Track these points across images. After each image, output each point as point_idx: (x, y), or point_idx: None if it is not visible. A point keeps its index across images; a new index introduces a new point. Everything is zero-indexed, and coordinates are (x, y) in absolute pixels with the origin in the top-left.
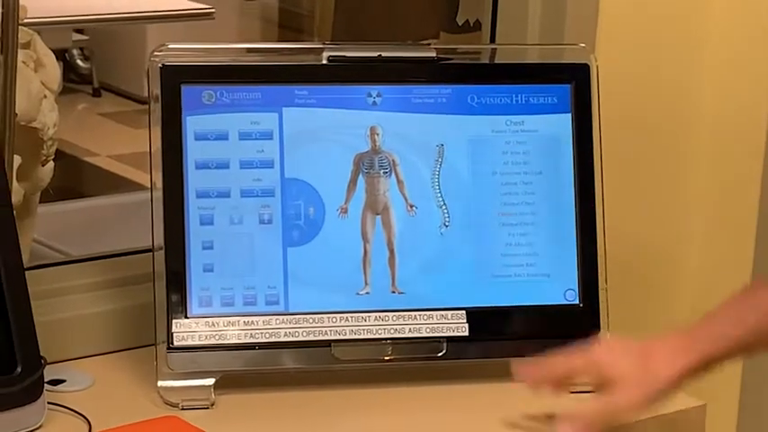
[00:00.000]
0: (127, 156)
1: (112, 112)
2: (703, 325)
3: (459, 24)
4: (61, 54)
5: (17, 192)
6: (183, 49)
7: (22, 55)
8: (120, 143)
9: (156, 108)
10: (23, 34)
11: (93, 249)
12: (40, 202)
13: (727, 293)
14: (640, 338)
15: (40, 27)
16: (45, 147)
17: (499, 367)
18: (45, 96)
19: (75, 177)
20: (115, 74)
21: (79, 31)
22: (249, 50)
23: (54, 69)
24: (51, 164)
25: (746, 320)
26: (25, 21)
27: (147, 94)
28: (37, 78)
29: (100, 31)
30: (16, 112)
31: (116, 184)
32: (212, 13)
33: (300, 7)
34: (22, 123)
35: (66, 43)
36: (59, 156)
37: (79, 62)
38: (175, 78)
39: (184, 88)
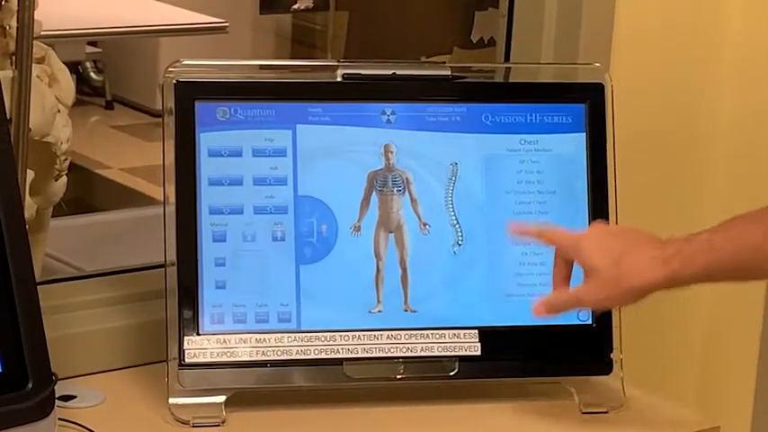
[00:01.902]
0: (139, 169)
1: (125, 125)
2: (688, 242)
3: (474, 41)
4: (74, 67)
5: (30, 206)
6: (198, 66)
7: (36, 70)
8: (132, 156)
9: (170, 122)
10: (38, 49)
11: (105, 264)
12: (53, 217)
13: (743, 310)
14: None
15: (54, 40)
16: (58, 162)
17: (511, 387)
18: (59, 111)
19: (87, 190)
20: (128, 87)
21: (92, 44)
22: (263, 67)
23: (68, 84)
24: (64, 179)
25: (728, 248)
26: (39, 34)
27: (159, 107)
28: (51, 93)
29: (113, 44)
30: (30, 126)
31: (128, 197)
32: (226, 27)
33: (314, 22)
34: (36, 138)
35: (80, 56)
36: (71, 168)
37: (92, 75)
38: (189, 94)
39: (198, 104)
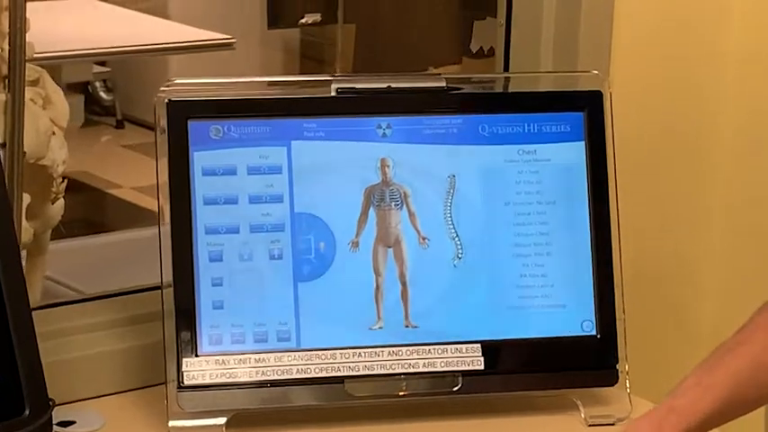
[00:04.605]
0: (150, 187)
1: (136, 144)
2: (674, 400)
3: (474, 51)
4: (84, 86)
5: (26, 230)
6: (191, 84)
7: (30, 92)
8: (143, 175)
9: (163, 141)
10: (31, 71)
11: (110, 287)
12: (60, 239)
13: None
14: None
15: (59, 61)
16: (54, 184)
17: (516, 401)
18: (54, 133)
19: (99, 210)
20: (138, 105)
21: (101, 64)
22: (257, 84)
23: (63, 106)
24: (62, 201)
25: (715, 391)
26: (45, 54)
27: None
28: (45, 115)
29: (122, 63)
30: (24, 149)
31: (139, 216)
32: (233, 43)
33: (322, 38)
34: (31, 161)
35: (87, 76)
36: (83, 188)
37: (102, 94)
38: (182, 113)
39: (191, 123)
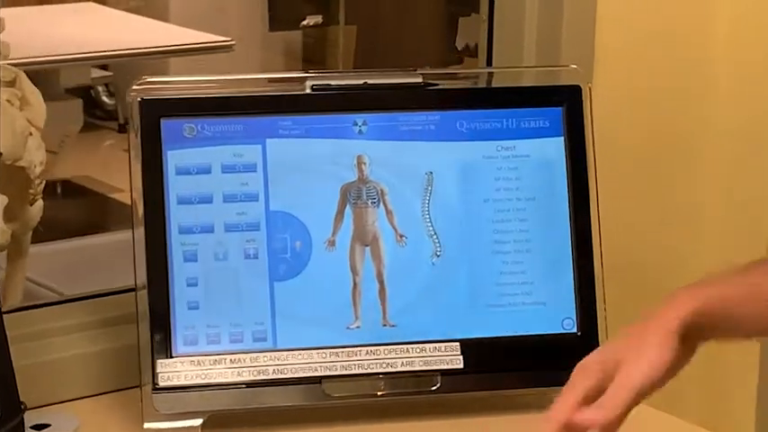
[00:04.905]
0: None
1: None
2: (702, 283)
3: (459, 48)
4: (86, 91)
5: (4, 232)
6: (164, 83)
7: (6, 93)
8: None
9: (137, 143)
10: (8, 72)
11: (92, 288)
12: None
13: None
14: None
15: (57, 65)
16: (33, 186)
17: (496, 400)
18: (31, 134)
19: (101, 214)
20: None
21: (103, 68)
22: (231, 81)
23: (40, 107)
24: (41, 203)
25: (747, 289)
26: (42, 58)
27: None
28: (22, 116)
29: (124, 67)
30: (1, 150)
31: None
32: (232, 45)
33: (324, 41)
34: (8, 162)
35: (86, 80)
36: (85, 193)
37: (104, 99)
38: (155, 112)
39: (164, 122)
